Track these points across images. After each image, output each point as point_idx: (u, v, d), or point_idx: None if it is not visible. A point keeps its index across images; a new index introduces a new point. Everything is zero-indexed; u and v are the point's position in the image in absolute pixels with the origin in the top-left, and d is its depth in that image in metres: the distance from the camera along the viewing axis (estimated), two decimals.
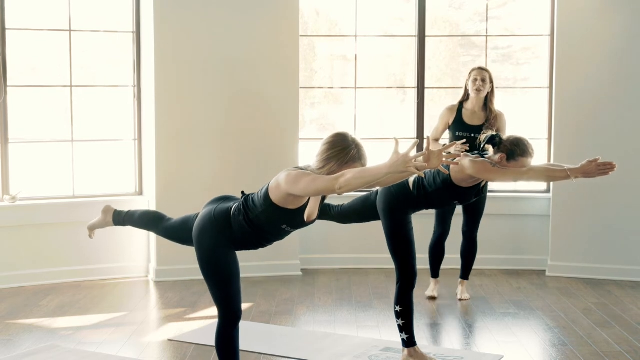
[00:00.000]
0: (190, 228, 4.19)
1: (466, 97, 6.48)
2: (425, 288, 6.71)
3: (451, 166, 4.75)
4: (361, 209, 5.04)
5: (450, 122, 6.46)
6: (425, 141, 3.63)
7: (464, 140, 4.38)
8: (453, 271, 6.89)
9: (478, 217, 6.46)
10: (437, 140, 6.46)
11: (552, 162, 7.38)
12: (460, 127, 6.41)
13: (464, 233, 6.53)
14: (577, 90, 7.29)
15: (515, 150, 4.73)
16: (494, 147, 4.83)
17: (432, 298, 6.53)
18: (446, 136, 6.63)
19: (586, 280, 7.18)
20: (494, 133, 4.87)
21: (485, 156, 4.81)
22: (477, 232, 6.52)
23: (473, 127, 6.37)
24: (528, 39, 7.92)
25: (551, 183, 7.39)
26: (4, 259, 6.90)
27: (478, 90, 6.36)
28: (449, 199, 4.93)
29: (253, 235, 3.97)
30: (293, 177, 3.71)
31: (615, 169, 4.58)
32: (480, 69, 6.44)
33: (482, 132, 5.03)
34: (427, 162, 3.67)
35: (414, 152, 3.52)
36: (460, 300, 6.49)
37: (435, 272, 6.61)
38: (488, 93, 6.42)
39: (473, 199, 4.99)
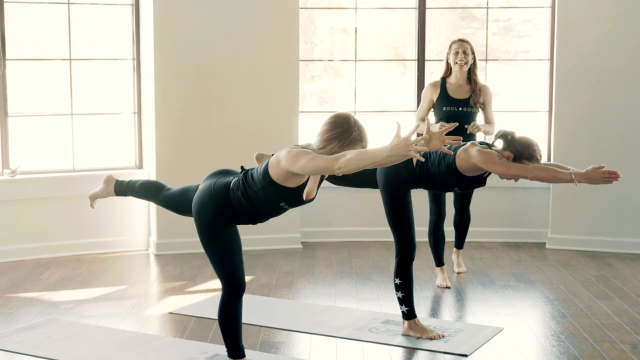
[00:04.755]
0: (189, 199, 4.19)
1: (449, 72, 6.28)
2: (424, 261, 6.72)
3: (457, 153, 4.73)
4: (361, 174, 4.99)
5: (435, 98, 6.26)
6: (412, 126, 3.58)
7: (456, 124, 4.02)
8: (451, 244, 6.85)
9: (469, 194, 6.41)
10: (422, 120, 6.24)
11: (552, 135, 7.39)
12: (447, 102, 6.20)
13: (456, 208, 6.45)
14: (577, 62, 7.26)
15: (523, 152, 4.69)
16: (504, 143, 4.79)
17: (447, 287, 6.07)
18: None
19: (586, 253, 7.19)
20: (508, 131, 4.82)
21: (493, 149, 4.79)
22: (469, 206, 6.45)
23: (460, 101, 6.20)
24: (529, 11, 7.87)
25: (552, 153, 7.38)
26: (4, 232, 6.90)
27: (461, 65, 6.18)
28: (450, 185, 4.89)
29: (250, 210, 3.97)
30: (293, 154, 3.71)
31: (619, 179, 4.57)
32: (461, 40, 6.24)
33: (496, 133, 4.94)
34: (428, 144, 3.66)
35: (415, 136, 3.51)
36: (458, 273, 6.49)
37: (439, 259, 6.20)
38: (471, 65, 6.25)
39: (475, 187, 4.96)
